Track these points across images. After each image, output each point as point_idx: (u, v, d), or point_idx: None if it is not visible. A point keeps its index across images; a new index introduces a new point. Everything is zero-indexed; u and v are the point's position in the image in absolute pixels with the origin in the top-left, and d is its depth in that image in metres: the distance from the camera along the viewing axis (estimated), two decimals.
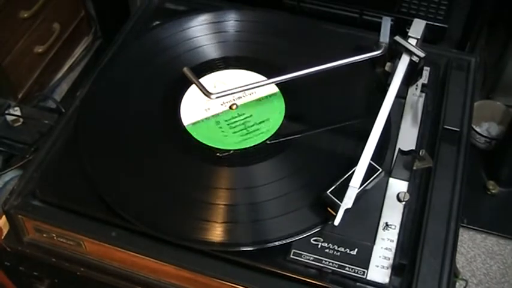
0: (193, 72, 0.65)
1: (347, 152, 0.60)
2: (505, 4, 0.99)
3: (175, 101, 0.66)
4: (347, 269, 0.53)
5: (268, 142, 0.62)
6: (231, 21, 0.74)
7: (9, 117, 0.84)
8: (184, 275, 0.56)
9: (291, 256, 0.54)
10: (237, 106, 0.66)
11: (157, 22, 0.76)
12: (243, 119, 0.64)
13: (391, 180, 0.60)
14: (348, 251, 0.54)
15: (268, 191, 0.58)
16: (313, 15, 0.85)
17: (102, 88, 0.68)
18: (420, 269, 0.54)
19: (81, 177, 0.59)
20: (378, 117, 0.58)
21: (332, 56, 0.64)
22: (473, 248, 0.96)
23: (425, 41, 0.66)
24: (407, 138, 0.63)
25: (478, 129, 1.05)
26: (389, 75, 0.64)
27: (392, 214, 0.57)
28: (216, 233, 0.55)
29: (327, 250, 0.54)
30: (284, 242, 0.54)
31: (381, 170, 0.56)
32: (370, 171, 0.56)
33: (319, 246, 0.54)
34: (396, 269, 0.54)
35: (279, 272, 0.54)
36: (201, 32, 0.72)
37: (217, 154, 0.61)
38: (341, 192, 0.54)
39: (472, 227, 0.97)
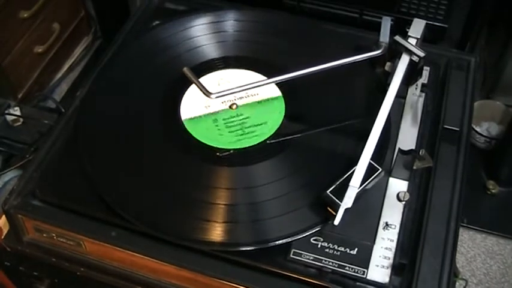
0: (193, 72, 0.65)
1: (347, 152, 0.60)
2: (505, 4, 0.99)
3: (175, 101, 0.66)
4: (347, 268, 0.53)
5: (268, 142, 0.62)
6: (231, 21, 0.74)
7: (9, 117, 0.84)
8: (184, 275, 0.56)
9: (291, 256, 0.54)
10: (237, 106, 0.66)
11: (157, 22, 0.76)
12: (240, 120, 0.64)
13: (391, 179, 0.60)
14: (348, 251, 0.54)
15: (268, 191, 0.58)
16: (313, 15, 0.85)
17: (102, 88, 0.68)
18: (420, 269, 0.54)
19: (81, 177, 0.59)
20: (377, 117, 0.58)
21: (332, 56, 0.64)
22: (473, 248, 0.96)
23: (425, 40, 0.66)
24: (407, 138, 0.63)
25: (478, 129, 1.05)
26: (389, 75, 0.64)
27: (392, 214, 0.57)
28: (216, 232, 0.55)
29: (327, 250, 0.54)
30: (284, 241, 0.54)
31: (380, 169, 0.56)
32: (370, 170, 0.56)
33: (319, 245, 0.54)
34: (396, 268, 0.54)
35: (279, 271, 0.54)
36: (201, 32, 0.72)
37: (217, 154, 0.61)
38: (341, 192, 0.54)
39: (472, 226, 0.97)
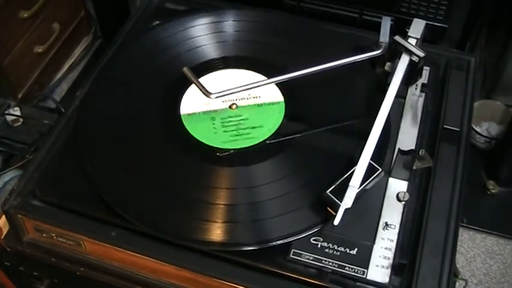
0: (193, 72, 0.65)
1: (347, 152, 0.60)
2: (505, 4, 0.99)
3: (175, 101, 0.66)
4: (347, 268, 0.53)
5: (268, 142, 0.62)
6: (231, 21, 0.74)
7: (9, 117, 0.84)
8: (184, 275, 0.56)
9: (291, 256, 0.54)
10: (237, 106, 0.66)
11: (157, 22, 0.76)
12: (237, 120, 0.64)
13: (391, 180, 0.60)
14: (348, 251, 0.54)
15: (268, 191, 0.58)
16: (313, 15, 0.85)
17: (102, 88, 0.68)
18: (420, 269, 0.54)
19: (81, 177, 0.59)
20: (377, 117, 0.58)
21: (332, 56, 0.64)
22: (473, 248, 0.96)
23: (425, 40, 0.66)
24: (407, 138, 0.63)
25: (478, 129, 1.05)
26: (389, 75, 0.64)
27: (392, 214, 0.57)
28: (216, 232, 0.55)
29: (327, 250, 0.54)
30: (284, 241, 0.54)
31: (380, 169, 0.56)
32: (370, 171, 0.56)
33: (319, 246, 0.54)
34: (396, 268, 0.54)
35: (279, 271, 0.54)
36: (201, 32, 0.72)
37: (217, 154, 0.61)
38: (341, 192, 0.54)
39: (471, 226, 0.97)
